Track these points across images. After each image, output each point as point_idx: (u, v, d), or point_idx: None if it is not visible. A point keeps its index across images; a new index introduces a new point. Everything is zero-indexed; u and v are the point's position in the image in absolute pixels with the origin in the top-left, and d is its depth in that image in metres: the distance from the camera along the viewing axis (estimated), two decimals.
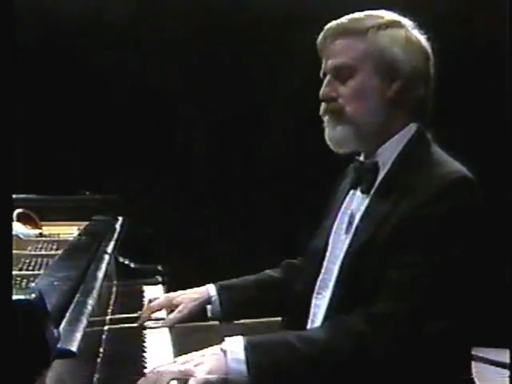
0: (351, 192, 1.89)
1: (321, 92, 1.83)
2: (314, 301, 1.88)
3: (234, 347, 1.58)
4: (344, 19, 1.83)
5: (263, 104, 4.06)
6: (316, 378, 1.60)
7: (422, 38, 1.85)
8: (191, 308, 2.07)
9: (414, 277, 1.62)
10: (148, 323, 2.07)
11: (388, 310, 1.61)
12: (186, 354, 1.63)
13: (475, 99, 3.93)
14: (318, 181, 3.56)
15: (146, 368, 1.67)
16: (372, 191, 1.80)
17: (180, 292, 2.13)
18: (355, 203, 1.86)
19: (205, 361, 1.56)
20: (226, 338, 1.63)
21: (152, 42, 4.00)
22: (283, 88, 3.99)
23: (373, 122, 1.79)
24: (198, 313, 2.10)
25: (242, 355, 1.57)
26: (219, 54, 4.05)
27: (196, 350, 1.62)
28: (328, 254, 1.87)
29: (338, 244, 1.85)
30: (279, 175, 4.07)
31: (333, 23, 1.84)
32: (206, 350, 1.62)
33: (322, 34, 1.84)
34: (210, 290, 2.11)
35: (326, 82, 1.83)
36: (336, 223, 1.89)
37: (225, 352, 1.58)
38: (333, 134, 1.82)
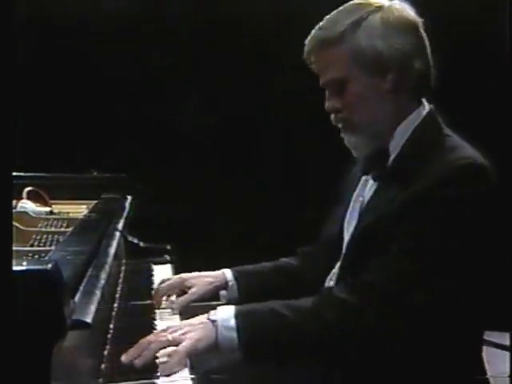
0: (363, 179, 1.88)
1: (325, 106, 1.81)
2: (326, 284, 1.89)
3: (225, 315, 1.61)
4: (318, 29, 1.79)
5: (268, 90, 4.05)
6: (303, 345, 1.63)
7: (405, 10, 1.79)
8: (204, 292, 1.99)
9: (403, 250, 1.62)
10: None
11: (375, 279, 1.63)
12: None
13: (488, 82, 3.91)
14: (323, 165, 3.58)
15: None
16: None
17: (194, 274, 2.05)
18: (367, 190, 1.85)
19: (193, 329, 1.59)
20: (218, 307, 1.65)
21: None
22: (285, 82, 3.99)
23: (382, 121, 1.78)
24: (211, 297, 2.02)
25: (232, 323, 1.59)
26: (221, 42, 4.05)
27: None
28: (344, 242, 1.86)
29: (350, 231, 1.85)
30: (286, 156, 4.08)
31: (310, 37, 1.79)
32: (193, 319, 1.65)
33: (305, 49, 1.80)
34: (227, 274, 2.04)
35: (326, 95, 1.81)
36: (349, 211, 1.88)
37: (214, 321, 1.60)
38: (349, 142, 1.82)
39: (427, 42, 1.80)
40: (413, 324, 1.60)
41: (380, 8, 1.77)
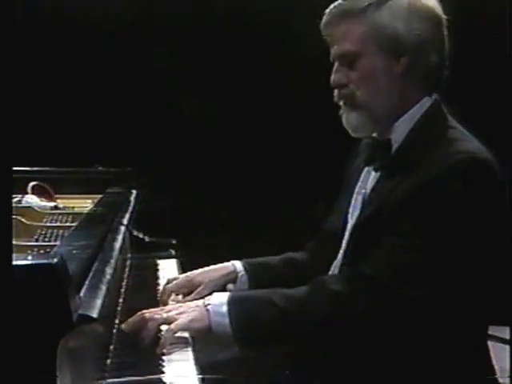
0: (365, 170, 1.86)
1: (331, 79, 1.80)
2: None
3: (217, 301, 1.66)
4: (343, 0, 1.77)
5: (269, 89, 4.05)
6: (293, 333, 1.66)
7: (432, 1, 1.77)
8: (212, 288, 1.92)
9: (397, 244, 1.63)
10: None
11: (370, 271, 1.64)
12: None
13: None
14: (323, 165, 3.58)
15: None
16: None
17: (200, 271, 2.00)
18: (370, 181, 1.83)
19: (187, 311, 1.65)
20: (214, 293, 1.72)
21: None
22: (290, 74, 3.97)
23: (385, 104, 1.76)
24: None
25: (224, 309, 1.64)
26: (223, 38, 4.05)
27: None
28: (346, 234, 1.85)
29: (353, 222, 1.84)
30: (294, 152, 4.07)
31: (332, 6, 1.78)
32: (190, 302, 1.73)
33: (324, 19, 1.79)
34: (237, 265, 1.99)
35: (334, 68, 1.79)
36: (352, 203, 1.87)
37: (208, 305, 1.65)
38: (348, 121, 1.80)
39: (447, 40, 1.79)
40: (404, 316, 1.61)
41: None
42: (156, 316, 1.64)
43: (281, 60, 3.99)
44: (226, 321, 1.63)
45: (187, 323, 1.63)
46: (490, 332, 1.82)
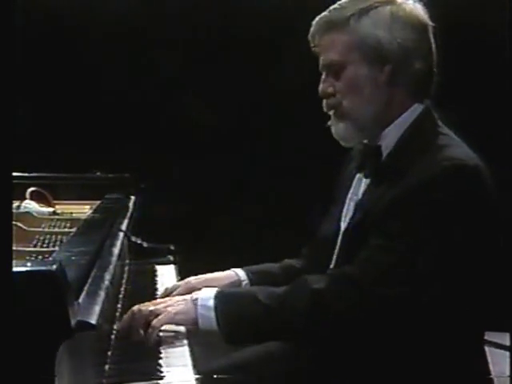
0: (357, 176, 1.88)
1: (319, 89, 1.82)
2: None
3: (205, 295, 1.70)
4: (328, 11, 1.80)
5: (269, 89, 4.05)
6: (276, 330, 1.69)
7: (417, 9, 1.79)
8: None
9: (380, 245, 1.65)
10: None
11: (351, 270, 1.67)
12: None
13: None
14: (324, 165, 3.58)
15: (160, 353, 1.66)
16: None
17: (202, 278, 1.95)
18: (362, 188, 1.84)
19: (174, 304, 1.70)
20: (202, 288, 1.75)
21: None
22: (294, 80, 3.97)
23: (372, 112, 1.77)
24: None
25: (211, 303, 1.68)
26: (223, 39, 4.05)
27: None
28: (339, 239, 1.86)
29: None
30: (294, 153, 4.08)
31: (318, 17, 1.81)
32: (178, 296, 1.78)
33: (311, 30, 1.82)
34: (240, 273, 1.98)
35: (322, 78, 1.82)
36: (344, 210, 1.88)
37: (196, 299, 1.69)
38: (336, 131, 1.82)
39: (434, 47, 1.80)
40: (383, 315, 1.62)
41: (392, 2, 1.78)
42: (143, 308, 1.69)
43: (281, 60, 3.99)
44: (212, 314, 1.67)
45: (172, 316, 1.67)
46: (489, 338, 1.82)
